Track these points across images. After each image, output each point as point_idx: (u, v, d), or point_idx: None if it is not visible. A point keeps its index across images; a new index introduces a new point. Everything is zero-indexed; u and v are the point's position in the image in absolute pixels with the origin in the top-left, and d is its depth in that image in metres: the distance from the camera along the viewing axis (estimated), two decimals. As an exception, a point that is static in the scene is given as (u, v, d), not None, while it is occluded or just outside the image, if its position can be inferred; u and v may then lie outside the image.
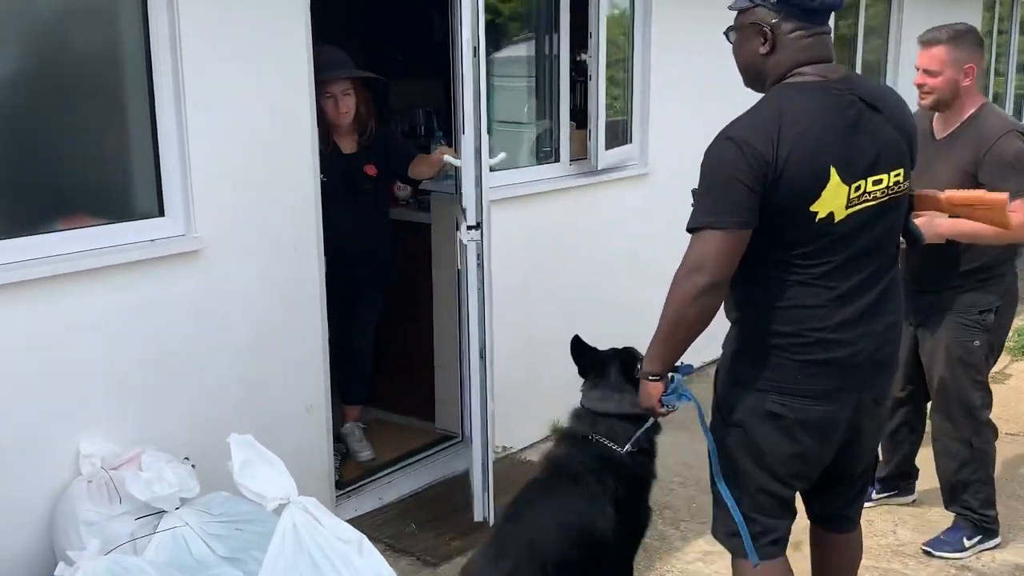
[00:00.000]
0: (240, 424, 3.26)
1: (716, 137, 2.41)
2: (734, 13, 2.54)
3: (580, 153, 5.09)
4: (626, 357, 3.16)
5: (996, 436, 3.93)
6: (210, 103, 3.32)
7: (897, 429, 4.11)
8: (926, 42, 3.63)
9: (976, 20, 9.42)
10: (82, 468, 3.08)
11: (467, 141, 3.61)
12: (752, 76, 2.54)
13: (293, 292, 3.69)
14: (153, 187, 3.31)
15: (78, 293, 3.08)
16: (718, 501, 2.66)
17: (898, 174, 2.47)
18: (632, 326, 5.41)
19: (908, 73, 4.12)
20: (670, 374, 2.60)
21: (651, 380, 2.57)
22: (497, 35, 5.08)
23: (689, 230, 2.41)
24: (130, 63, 3.25)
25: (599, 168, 4.98)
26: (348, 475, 4.34)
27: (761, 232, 2.37)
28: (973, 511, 3.84)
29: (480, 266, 3.74)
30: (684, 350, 2.52)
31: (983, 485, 3.84)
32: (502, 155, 4.00)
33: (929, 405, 3.93)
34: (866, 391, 2.56)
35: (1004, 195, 2.91)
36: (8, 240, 2.96)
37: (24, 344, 2.98)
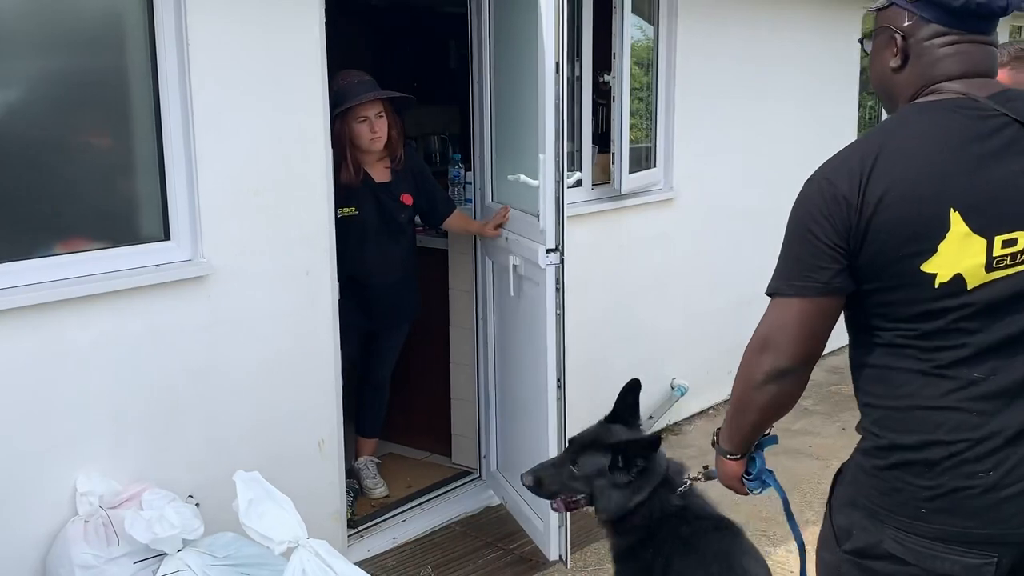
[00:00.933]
0: (247, 460, 3.10)
1: (807, 180, 1.89)
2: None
3: (602, 178, 4.92)
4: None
5: None
6: (219, 126, 3.16)
7: None
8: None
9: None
10: (79, 507, 2.90)
11: (547, 161, 3.40)
12: (885, 97, 1.95)
13: (305, 321, 3.52)
14: (159, 210, 3.15)
15: (79, 319, 2.91)
16: None
17: None
18: (657, 353, 5.26)
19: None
20: (750, 456, 2.15)
21: (728, 459, 2.12)
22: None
23: (766, 294, 1.91)
24: (137, 85, 3.10)
25: (623, 192, 4.81)
26: (360, 512, 4.15)
27: (866, 303, 1.80)
28: None
29: (559, 291, 3.57)
30: (759, 435, 2.07)
31: None
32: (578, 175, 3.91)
33: None
34: None
35: None
36: (5, 264, 2.80)
37: (18, 373, 2.81)
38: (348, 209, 3.88)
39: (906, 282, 1.73)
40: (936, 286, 1.71)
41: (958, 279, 1.70)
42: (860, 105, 7.22)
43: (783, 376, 1.84)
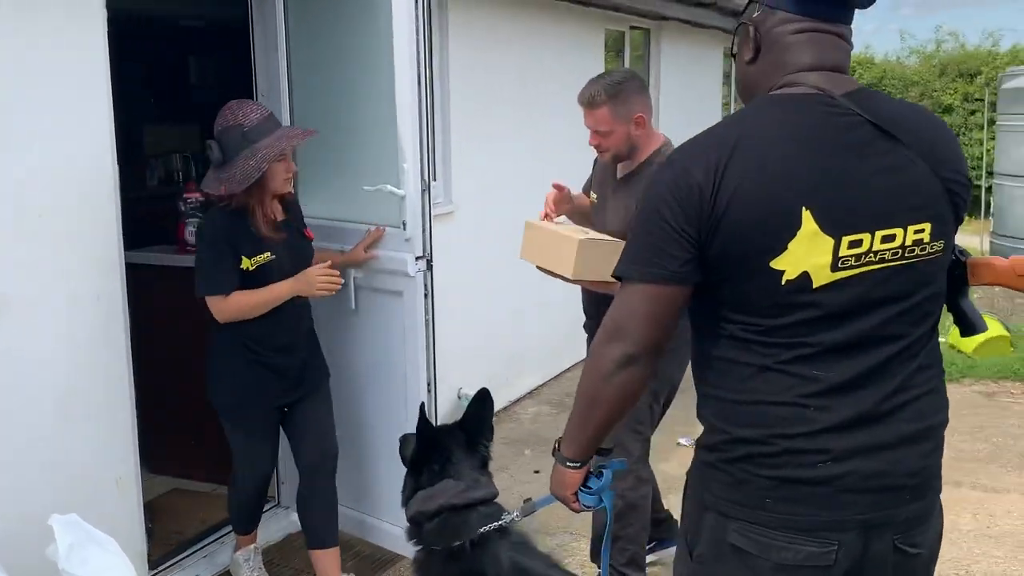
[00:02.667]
0: (42, 501, 2.85)
1: (664, 160, 1.85)
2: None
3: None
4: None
5: (651, 494, 3.61)
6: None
7: None
8: (588, 103, 3.31)
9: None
10: None
11: (411, 171, 3.44)
12: (746, 95, 1.91)
13: (97, 352, 3.25)
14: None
15: None
16: None
17: (921, 230, 1.75)
18: (442, 366, 5.28)
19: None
20: (599, 467, 2.08)
21: (569, 467, 2.02)
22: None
23: (614, 278, 1.86)
24: None
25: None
26: (157, 552, 3.88)
27: (714, 295, 1.77)
28: (615, 568, 3.48)
29: (427, 296, 3.60)
30: (606, 434, 1.98)
31: (630, 542, 3.48)
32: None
33: None
34: (881, 531, 1.76)
35: None
36: None
37: None
38: (262, 256, 3.31)
39: (755, 277, 1.71)
40: (783, 283, 1.70)
41: (804, 277, 1.70)
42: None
43: (633, 363, 1.80)
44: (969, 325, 1.98)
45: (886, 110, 1.76)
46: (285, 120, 3.90)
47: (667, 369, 3.39)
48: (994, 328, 6.96)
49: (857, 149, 1.72)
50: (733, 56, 1.95)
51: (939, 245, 1.78)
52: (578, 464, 2.01)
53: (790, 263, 1.69)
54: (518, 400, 6.27)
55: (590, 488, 2.06)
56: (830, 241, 1.69)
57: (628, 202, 3.27)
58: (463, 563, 2.45)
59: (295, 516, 4.21)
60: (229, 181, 3.18)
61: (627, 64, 8.05)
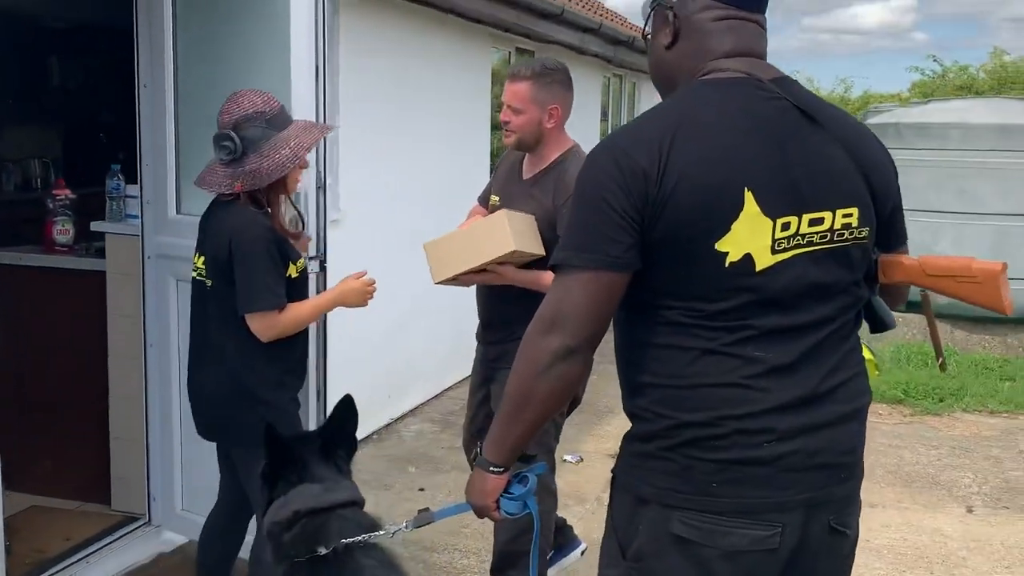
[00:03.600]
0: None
1: (593, 148, 1.82)
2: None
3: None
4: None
5: (556, 507, 3.58)
6: None
7: None
8: (512, 75, 3.27)
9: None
10: None
11: (309, 169, 3.19)
12: (663, 81, 1.91)
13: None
14: None
15: None
16: None
17: (849, 214, 1.77)
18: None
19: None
20: (522, 472, 1.98)
21: (492, 472, 1.92)
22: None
23: (550, 268, 1.81)
24: None
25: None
26: (16, 572, 3.57)
27: (653, 281, 1.74)
28: None
29: None
30: (533, 434, 1.89)
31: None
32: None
33: None
34: (819, 511, 1.78)
35: (997, 266, 1.92)
36: None
37: None
38: (301, 261, 3.00)
39: (699, 260, 1.70)
40: (727, 265, 1.70)
41: (748, 259, 1.70)
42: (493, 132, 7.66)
43: (571, 355, 1.73)
44: (879, 321, 1.96)
45: (808, 98, 1.80)
46: (168, 119, 3.69)
47: None
48: (860, 353, 7.20)
49: (790, 133, 1.74)
50: (645, 39, 1.95)
51: (866, 231, 1.81)
52: (502, 469, 1.92)
53: (734, 245, 1.69)
54: (401, 417, 6.12)
55: (512, 494, 1.95)
56: (769, 223, 1.70)
57: (542, 200, 3.22)
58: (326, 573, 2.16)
59: (166, 535, 3.99)
60: (251, 176, 2.80)
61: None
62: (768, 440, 1.72)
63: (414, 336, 6.20)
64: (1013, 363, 7.58)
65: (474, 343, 3.59)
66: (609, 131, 10.75)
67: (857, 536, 1.89)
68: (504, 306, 3.29)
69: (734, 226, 1.69)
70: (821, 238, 1.75)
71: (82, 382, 4.20)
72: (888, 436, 6.02)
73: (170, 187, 3.71)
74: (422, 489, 4.88)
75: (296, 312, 2.88)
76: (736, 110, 1.74)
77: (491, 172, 7.32)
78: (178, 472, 3.87)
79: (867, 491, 4.82)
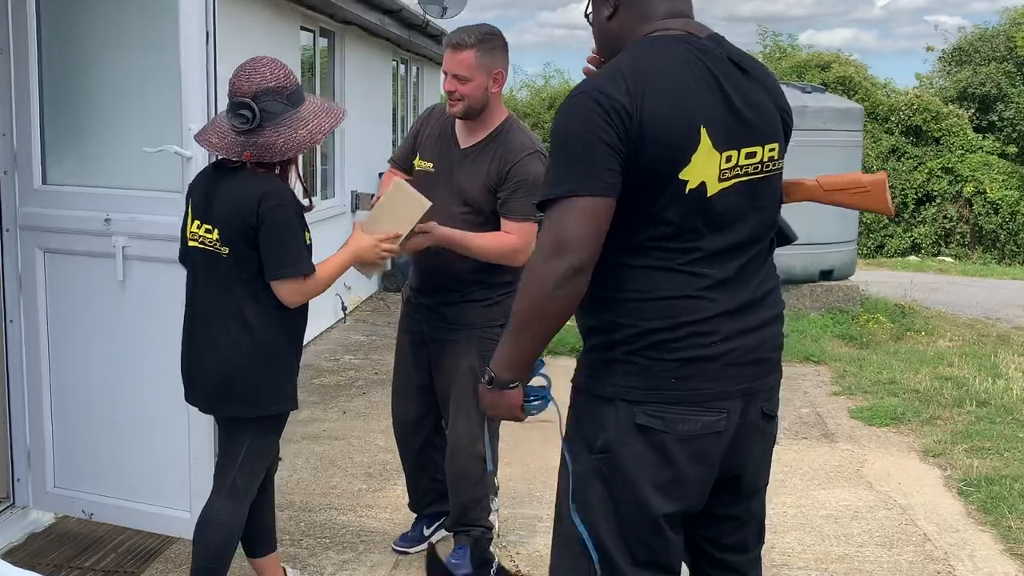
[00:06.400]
0: None
1: (568, 96, 2.08)
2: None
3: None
4: None
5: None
6: None
7: (422, 450, 3.76)
8: (455, 45, 3.30)
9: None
10: None
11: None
12: (609, 50, 2.19)
13: None
14: None
15: None
16: (569, 545, 2.17)
17: (773, 149, 2.14)
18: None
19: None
20: (537, 373, 2.23)
21: (511, 388, 2.15)
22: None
23: (543, 204, 2.04)
24: None
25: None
26: None
27: (621, 209, 2.01)
28: (484, 527, 3.62)
29: None
30: (542, 349, 2.14)
31: (490, 502, 3.66)
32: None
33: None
34: (754, 398, 2.15)
35: (882, 175, 2.34)
36: None
37: None
38: (308, 233, 2.97)
39: (666, 187, 2.01)
40: (687, 192, 2.02)
41: (702, 187, 2.03)
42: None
43: (577, 275, 1.99)
44: (783, 237, 2.31)
45: (736, 51, 2.17)
46: (34, 80, 3.59)
47: None
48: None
49: (728, 80, 2.09)
50: (587, 17, 2.26)
51: (782, 163, 2.19)
52: (517, 384, 2.15)
53: (693, 174, 2.02)
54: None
55: (531, 399, 2.21)
56: (718, 156, 2.05)
57: (488, 167, 3.33)
58: None
59: (33, 515, 3.90)
60: (263, 149, 2.81)
61: (317, 69, 8.09)
62: (715, 340, 2.08)
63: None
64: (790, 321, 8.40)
65: None
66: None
67: (778, 417, 2.30)
68: (434, 268, 3.41)
69: (693, 158, 2.01)
70: (754, 169, 2.12)
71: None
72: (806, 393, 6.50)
73: (35, 156, 3.61)
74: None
75: (322, 274, 2.93)
76: (683, 59, 2.06)
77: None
78: (49, 448, 3.78)
79: (794, 449, 5.29)
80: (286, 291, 2.86)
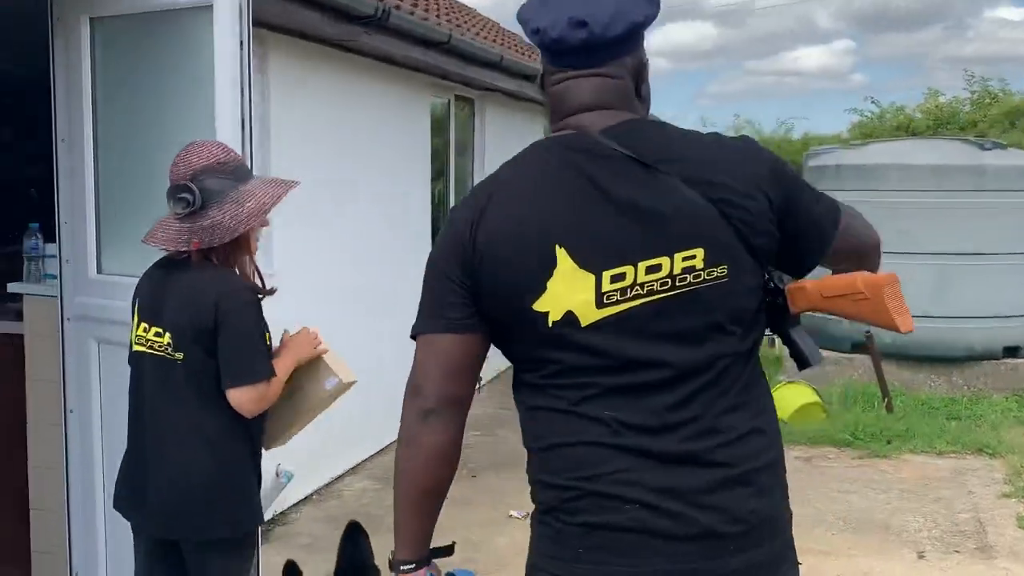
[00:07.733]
0: None
1: None
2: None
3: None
4: None
5: None
6: None
7: None
8: None
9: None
10: None
11: None
12: None
13: None
14: None
15: None
16: None
17: (691, 256, 1.66)
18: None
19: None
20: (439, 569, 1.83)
21: (403, 571, 1.77)
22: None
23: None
24: None
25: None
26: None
27: (500, 344, 1.77)
28: None
29: None
30: (431, 518, 1.78)
31: None
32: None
33: None
34: None
35: (884, 277, 1.78)
36: None
37: None
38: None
39: (521, 322, 1.69)
40: (550, 325, 1.67)
41: (570, 316, 1.66)
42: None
43: (431, 416, 1.71)
44: (800, 358, 1.84)
45: (650, 142, 1.71)
46: (89, 169, 3.53)
47: None
48: (806, 395, 7.17)
49: (607, 183, 1.68)
50: None
51: (721, 271, 1.67)
52: (412, 565, 1.77)
53: (552, 304, 1.67)
54: (341, 476, 5.95)
55: None
56: (591, 277, 1.66)
57: None
58: None
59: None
60: (211, 231, 2.58)
61: (452, 133, 8.01)
62: (626, 503, 1.64)
63: (352, 391, 6.04)
64: (958, 402, 7.58)
65: None
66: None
67: None
68: None
69: (549, 284, 1.66)
70: (662, 285, 1.66)
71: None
72: (837, 480, 5.97)
73: (90, 245, 3.55)
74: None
75: (278, 380, 2.68)
76: (545, 168, 1.73)
77: (432, 223, 7.26)
78: (102, 545, 3.66)
79: (818, 539, 4.80)
80: (245, 398, 2.58)
